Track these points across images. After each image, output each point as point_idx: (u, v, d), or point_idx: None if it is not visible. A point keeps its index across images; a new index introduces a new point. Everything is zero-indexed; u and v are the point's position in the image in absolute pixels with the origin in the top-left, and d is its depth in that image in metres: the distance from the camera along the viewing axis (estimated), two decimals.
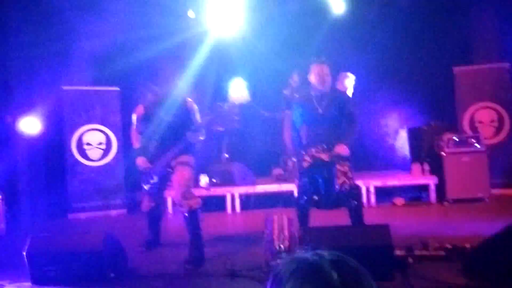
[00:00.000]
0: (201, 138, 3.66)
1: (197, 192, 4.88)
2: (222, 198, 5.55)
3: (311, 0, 6.69)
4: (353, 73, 5.66)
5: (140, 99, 3.79)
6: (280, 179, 5.71)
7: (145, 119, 3.68)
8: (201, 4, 6.26)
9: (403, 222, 4.45)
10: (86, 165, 5.88)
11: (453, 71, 6.16)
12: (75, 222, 5.41)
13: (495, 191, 5.53)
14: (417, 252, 3.10)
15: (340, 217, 3.63)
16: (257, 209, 5.39)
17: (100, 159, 5.95)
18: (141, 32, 6.32)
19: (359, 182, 5.14)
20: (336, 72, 5.58)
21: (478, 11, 6.49)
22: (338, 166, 3.56)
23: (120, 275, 3.02)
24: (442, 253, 3.11)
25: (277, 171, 5.91)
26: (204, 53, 6.23)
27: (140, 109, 3.73)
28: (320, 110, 3.63)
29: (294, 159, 4.95)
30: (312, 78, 3.64)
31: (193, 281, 3.01)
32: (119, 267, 3.09)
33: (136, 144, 3.74)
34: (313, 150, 3.63)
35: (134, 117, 3.77)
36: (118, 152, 6.01)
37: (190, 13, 6.49)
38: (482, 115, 6.02)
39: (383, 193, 5.62)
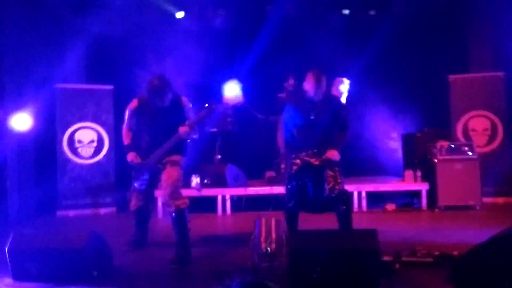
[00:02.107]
0: (194, 136, 3.64)
1: (188, 192, 4.86)
2: (213, 200, 5.52)
3: (308, 4, 6.71)
4: (348, 78, 5.65)
5: (137, 93, 3.74)
6: (272, 182, 5.68)
7: (139, 113, 3.63)
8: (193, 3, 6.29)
9: (393, 227, 4.43)
10: (77, 163, 5.85)
11: (448, 79, 6.17)
12: (63, 220, 5.36)
13: (486, 200, 5.54)
14: (404, 258, 3.07)
15: (331, 221, 3.60)
16: (248, 211, 5.36)
17: (91, 157, 5.91)
18: (136, 31, 6.32)
19: (351, 187, 5.17)
20: (331, 77, 5.58)
21: (475, 21, 6.52)
22: (328, 171, 3.54)
23: (103, 274, 2.97)
24: (429, 259, 3.08)
25: (269, 173, 5.88)
26: (199, 53, 6.24)
27: (134, 102, 3.68)
28: (312, 116, 3.63)
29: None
30: (307, 85, 3.65)
31: (177, 281, 2.97)
32: (103, 265, 3.05)
33: (127, 140, 3.70)
34: (303, 154, 3.62)
35: (127, 113, 3.73)
36: (109, 150, 5.98)
37: (179, 14, 6.54)
38: (475, 123, 6.03)
39: (375, 199, 5.61)
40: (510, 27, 5.96)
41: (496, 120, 5.94)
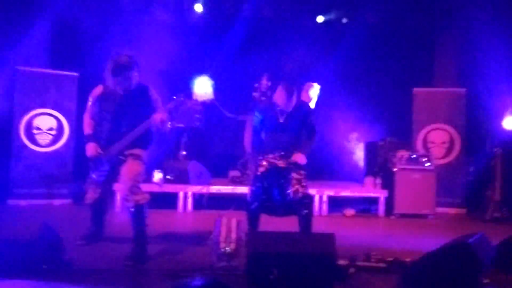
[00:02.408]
0: (169, 126, 3.56)
1: (149, 188, 4.76)
2: (175, 196, 5.44)
3: (283, 6, 6.76)
4: (318, 83, 5.74)
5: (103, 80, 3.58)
6: (236, 182, 5.67)
7: (103, 99, 3.48)
8: None
9: (350, 232, 4.53)
10: (33, 150, 5.59)
11: (412, 91, 6.39)
12: (14, 209, 5.11)
13: (440, 209, 5.78)
14: (359, 263, 3.15)
15: (291, 224, 3.63)
16: (209, 209, 5.32)
17: (48, 145, 5.67)
18: (107, 17, 6.12)
19: (313, 191, 5.24)
20: (302, 81, 5.65)
21: (442, 37, 6.80)
22: (293, 174, 3.57)
23: (53, 268, 2.85)
24: (383, 265, 3.17)
25: (233, 173, 5.87)
26: (171, 46, 6.13)
27: (99, 88, 3.54)
28: (281, 120, 3.67)
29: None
30: (277, 97, 3.68)
31: (131, 278, 2.90)
32: (54, 259, 2.92)
33: (88, 130, 3.56)
34: (270, 156, 3.63)
35: (90, 99, 3.58)
36: (69, 139, 5.75)
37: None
38: (434, 136, 6.27)
39: (335, 203, 5.72)
40: (474, 46, 6.25)
41: (455, 135, 6.20)
